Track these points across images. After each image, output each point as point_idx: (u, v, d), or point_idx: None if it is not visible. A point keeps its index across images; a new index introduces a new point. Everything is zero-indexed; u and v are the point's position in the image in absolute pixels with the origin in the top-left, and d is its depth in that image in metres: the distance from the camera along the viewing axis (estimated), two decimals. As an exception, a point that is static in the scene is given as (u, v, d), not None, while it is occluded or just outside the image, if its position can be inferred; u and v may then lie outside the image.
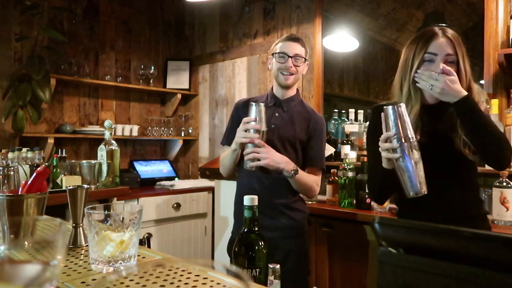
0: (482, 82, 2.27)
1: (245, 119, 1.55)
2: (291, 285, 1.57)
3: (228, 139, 1.77)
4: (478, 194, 1.46)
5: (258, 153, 1.52)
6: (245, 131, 1.53)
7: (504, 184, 1.88)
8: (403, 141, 1.19)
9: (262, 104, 1.54)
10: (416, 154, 1.19)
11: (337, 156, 2.65)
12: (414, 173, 1.19)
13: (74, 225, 1.03)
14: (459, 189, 1.36)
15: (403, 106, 1.21)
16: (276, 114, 1.75)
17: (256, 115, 1.54)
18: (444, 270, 0.56)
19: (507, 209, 1.87)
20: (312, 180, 1.71)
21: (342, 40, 3.09)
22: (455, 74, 1.25)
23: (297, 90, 1.83)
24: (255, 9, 3.51)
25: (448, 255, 0.57)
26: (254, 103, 1.55)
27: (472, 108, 1.22)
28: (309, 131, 1.74)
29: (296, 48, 1.71)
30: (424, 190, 1.20)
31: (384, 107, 1.22)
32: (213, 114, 3.73)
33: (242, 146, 1.57)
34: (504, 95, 2.20)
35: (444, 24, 2.56)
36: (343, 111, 2.83)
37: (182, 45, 4.04)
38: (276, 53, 1.73)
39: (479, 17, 2.30)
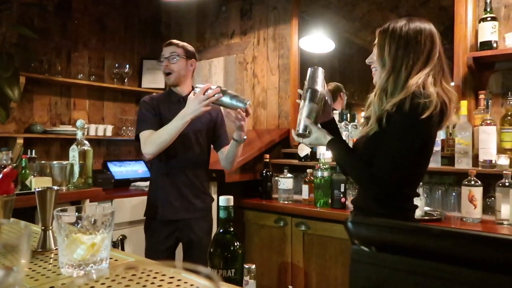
0: (452, 84, 2.34)
1: (206, 87, 1.73)
2: (203, 251, 1.90)
3: (150, 124, 1.92)
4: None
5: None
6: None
7: (472, 182, 1.95)
8: (304, 90, 1.48)
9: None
10: (307, 103, 1.46)
11: (313, 156, 2.67)
12: (301, 116, 1.46)
13: (43, 228, 1.00)
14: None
15: (310, 69, 1.52)
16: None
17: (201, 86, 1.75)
18: (415, 267, 0.57)
19: (475, 207, 1.94)
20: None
21: (319, 41, 3.12)
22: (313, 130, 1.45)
23: (192, 87, 2.01)
24: (232, 9, 3.50)
25: (418, 253, 0.58)
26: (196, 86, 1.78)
27: (331, 150, 1.45)
28: (214, 120, 2.06)
29: (169, 50, 1.98)
30: (299, 130, 1.45)
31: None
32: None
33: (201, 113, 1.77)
34: (473, 97, 2.27)
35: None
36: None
37: (158, 44, 3.97)
38: (158, 59, 2.01)
39: (450, 21, 2.37)
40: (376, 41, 1.39)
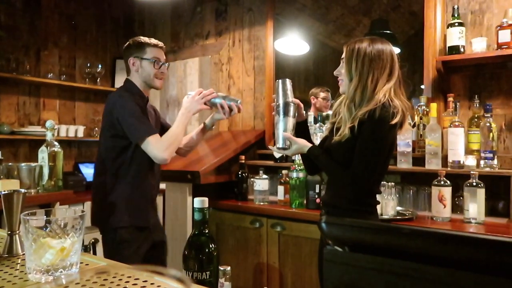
0: (422, 86, 2.41)
1: (200, 90, 1.86)
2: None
3: (151, 126, 1.84)
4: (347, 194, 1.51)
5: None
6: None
7: (442, 183, 2.01)
8: (277, 105, 1.59)
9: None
10: (282, 118, 1.57)
11: (288, 157, 2.69)
12: (278, 131, 1.58)
13: (9, 232, 0.96)
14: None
15: (279, 82, 1.62)
16: (152, 111, 2.02)
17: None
18: (386, 267, 0.59)
19: (445, 206, 2.00)
20: None
21: (293, 43, 3.14)
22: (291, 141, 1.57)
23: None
24: (207, 9, 3.48)
25: (391, 252, 0.59)
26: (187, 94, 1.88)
27: (311, 157, 1.56)
28: (158, 117, 2.09)
29: (163, 55, 1.94)
30: (278, 145, 1.58)
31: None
32: (164, 114, 3.65)
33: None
34: (442, 99, 2.34)
35: (388, 31, 2.70)
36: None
37: (131, 44, 3.92)
38: (147, 58, 1.86)
39: (420, 26, 2.44)
40: (343, 56, 1.53)
